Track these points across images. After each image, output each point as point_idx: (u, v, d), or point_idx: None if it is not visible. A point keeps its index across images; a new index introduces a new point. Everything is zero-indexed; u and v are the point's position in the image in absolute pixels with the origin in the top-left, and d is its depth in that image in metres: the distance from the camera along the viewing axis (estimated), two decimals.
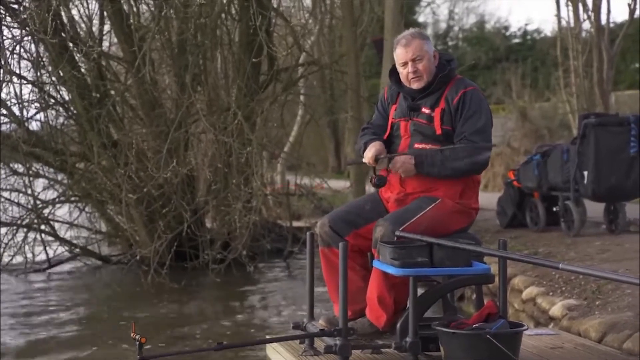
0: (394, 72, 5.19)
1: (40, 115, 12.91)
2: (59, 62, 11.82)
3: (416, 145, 5.01)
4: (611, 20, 19.20)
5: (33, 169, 13.15)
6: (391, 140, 5.18)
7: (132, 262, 12.23)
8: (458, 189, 4.99)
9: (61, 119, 13.36)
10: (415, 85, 5.03)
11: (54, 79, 12.60)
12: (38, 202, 13.06)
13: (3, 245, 12.69)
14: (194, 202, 12.41)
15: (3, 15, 11.78)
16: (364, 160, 5.04)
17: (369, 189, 5.19)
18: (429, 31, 36.97)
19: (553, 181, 10.75)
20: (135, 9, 12.72)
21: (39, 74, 12.28)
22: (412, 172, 4.95)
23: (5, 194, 13.17)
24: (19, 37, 11.75)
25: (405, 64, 5.03)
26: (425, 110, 5.01)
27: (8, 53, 11.58)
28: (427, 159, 4.92)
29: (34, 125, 13.24)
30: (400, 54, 5.05)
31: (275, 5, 13.80)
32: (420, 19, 38.50)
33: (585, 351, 5.53)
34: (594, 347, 5.68)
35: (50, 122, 13.01)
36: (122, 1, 12.53)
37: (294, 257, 13.61)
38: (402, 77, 5.08)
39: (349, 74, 14.33)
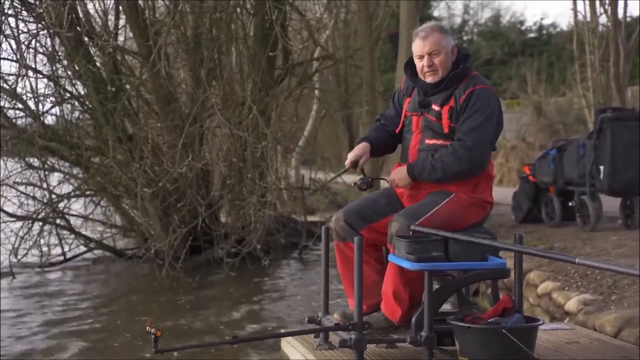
0: (409, 65, 5.18)
1: (56, 110, 12.95)
2: (75, 56, 11.84)
3: (427, 141, 5.01)
4: (628, 14, 19.09)
5: (48, 163, 13.18)
6: (403, 135, 5.18)
7: (147, 256, 12.26)
8: (471, 183, 4.98)
9: (76, 113, 13.39)
10: (429, 79, 5.02)
11: (69, 73, 12.62)
12: (53, 196, 13.11)
13: (19, 238, 12.74)
14: (208, 197, 12.43)
15: (19, 9, 11.81)
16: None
17: (383, 183, 5.20)
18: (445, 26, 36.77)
19: (569, 176, 10.72)
20: (150, 4, 12.72)
21: (54, 68, 12.29)
22: (406, 181, 4.98)
23: (21, 188, 13.22)
24: (34, 31, 11.76)
25: (421, 56, 5.02)
26: (435, 107, 5.00)
27: (24, 47, 11.60)
28: (418, 165, 4.93)
29: (49, 120, 13.30)
30: (417, 47, 5.03)
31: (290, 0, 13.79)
32: (435, 13, 38.43)
33: (601, 346, 5.52)
34: (609, 342, 5.66)
35: (66, 116, 13.03)
36: None
37: (308, 251, 13.61)
38: (418, 70, 5.07)
39: (363, 68, 14.35)
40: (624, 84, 18.44)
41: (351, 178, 15.03)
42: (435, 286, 4.83)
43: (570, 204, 10.82)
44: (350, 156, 5.08)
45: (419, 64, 5.05)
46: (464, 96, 4.92)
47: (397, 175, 5.00)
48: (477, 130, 4.87)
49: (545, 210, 11.30)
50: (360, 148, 5.11)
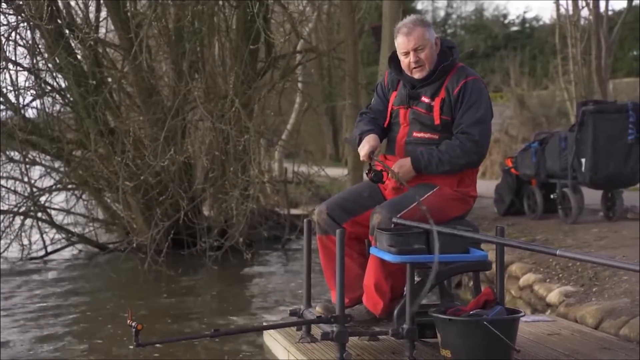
0: (394, 59, 5.16)
1: (37, 103, 12.87)
2: (55, 49, 11.77)
3: (415, 134, 5.00)
4: (609, 7, 19.20)
5: (29, 156, 13.11)
6: (390, 128, 5.17)
7: (129, 250, 12.21)
8: (456, 177, 4.98)
9: (58, 107, 13.31)
10: (417, 75, 5.00)
11: (50, 66, 12.55)
12: (35, 189, 13.04)
13: (0, 232, 12.67)
14: (191, 190, 12.38)
15: None
16: (361, 156, 4.99)
17: (367, 176, 5.15)
18: (427, 19, 36.81)
19: (551, 168, 10.74)
20: None
21: (35, 60, 12.22)
22: (411, 174, 4.93)
23: (2, 182, 13.14)
24: (14, 24, 11.69)
25: (407, 53, 4.99)
26: (425, 99, 4.98)
27: (4, 40, 11.53)
28: (424, 157, 4.90)
29: (30, 113, 13.20)
30: (401, 43, 5.00)
31: None
32: (419, 6, 38.44)
33: (582, 337, 5.54)
34: (590, 334, 5.69)
35: (47, 109, 12.95)
36: None
37: (291, 244, 13.60)
38: (404, 66, 5.04)
39: (346, 61, 14.28)
40: (606, 77, 18.53)
41: (336, 172, 15.05)
42: (417, 279, 4.83)
43: (552, 196, 10.85)
44: (367, 149, 4.93)
45: (404, 60, 5.01)
46: (458, 88, 4.91)
47: (402, 168, 4.93)
48: (481, 123, 4.89)
49: (527, 202, 11.33)
50: (374, 139, 4.99)
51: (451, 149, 4.87)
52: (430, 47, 4.98)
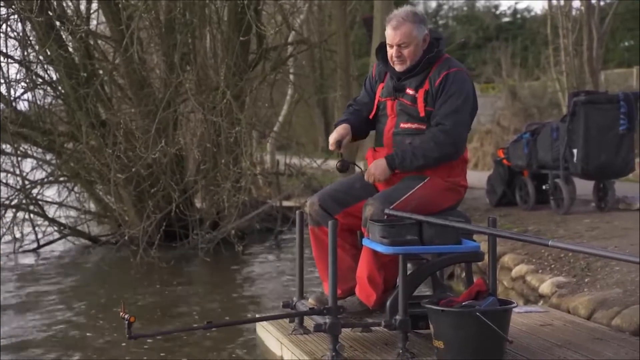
0: (381, 50, 5.16)
1: (28, 95, 12.81)
2: (46, 41, 11.71)
3: (402, 125, 5.00)
4: None
5: (21, 149, 13.06)
6: (377, 120, 5.17)
7: (121, 242, 12.19)
8: (446, 167, 4.98)
9: (49, 99, 13.24)
10: (397, 68, 5.03)
11: (41, 58, 12.49)
12: (26, 182, 12.99)
13: None
14: (183, 182, 12.36)
15: None
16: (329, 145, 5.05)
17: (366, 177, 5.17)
18: (419, 9, 36.75)
19: (543, 159, 10.75)
20: None
21: (25, 53, 12.17)
22: (386, 173, 4.94)
23: None
24: (4, 16, 11.64)
25: (391, 45, 5.00)
26: (410, 91, 4.99)
27: None
28: (398, 155, 4.90)
29: (21, 105, 13.14)
30: (388, 35, 5.02)
31: None
32: None
33: (575, 328, 5.56)
34: (583, 324, 5.70)
35: (38, 101, 12.89)
36: None
37: (283, 236, 13.59)
38: (388, 56, 5.06)
39: (338, 52, 14.31)
40: (597, 67, 18.58)
41: (327, 163, 15.05)
42: (410, 270, 4.83)
43: (544, 187, 10.86)
44: (334, 136, 5.03)
45: (389, 50, 5.04)
46: (439, 79, 4.91)
47: (377, 169, 4.95)
48: (455, 114, 4.86)
49: (519, 193, 11.34)
50: (344, 128, 5.07)
51: (424, 142, 4.88)
52: (415, 44, 4.97)
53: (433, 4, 40.92)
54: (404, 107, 5.00)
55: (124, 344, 6.98)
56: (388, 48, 5.03)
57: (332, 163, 14.54)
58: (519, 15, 37.02)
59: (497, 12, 38.30)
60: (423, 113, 4.94)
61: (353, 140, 5.32)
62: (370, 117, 5.19)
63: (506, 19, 37.15)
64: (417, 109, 4.95)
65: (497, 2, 53.95)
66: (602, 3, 19.78)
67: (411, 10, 5.06)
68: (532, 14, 36.05)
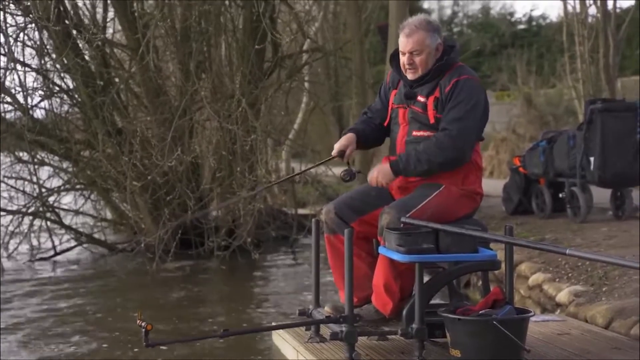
0: (395, 57, 5.15)
1: (45, 103, 12.90)
2: (63, 50, 11.79)
3: (414, 133, 4.99)
4: (617, 5, 19.16)
5: (38, 157, 13.14)
6: (390, 128, 5.17)
7: (137, 250, 12.23)
8: (461, 175, 4.96)
9: (65, 107, 13.32)
10: (409, 76, 5.02)
11: (58, 66, 12.58)
12: (43, 190, 13.06)
13: (9, 233, 12.69)
14: (198, 190, 12.39)
15: (6, 3, 11.75)
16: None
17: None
18: (434, 17, 36.75)
19: (559, 167, 10.72)
20: None
21: (43, 61, 12.25)
22: (390, 177, 4.94)
23: (11, 182, 13.17)
24: (22, 25, 11.72)
25: (404, 53, 5.00)
26: (421, 99, 4.98)
27: (12, 40, 11.55)
28: (402, 160, 4.89)
29: (38, 113, 13.23)
30: (400, 42, 5.02)
31: None
32: (425, 5, 38.39)
33: (592, 337, 5.52)
34: (600, 333, 5.67)
35: (55, 110, 12.98)
36: None
37: (299, 244, 13.59)
38: (400, 64, 5.06)
39: (353, 60, 14.34)
40: (614, 75, 18.49)
41: (340, 170, 15.05)
42: (426, 278, 4.82)
43: (560, 195, 10.82)
44: (337, 146, 5.07)
45: (401, 58, 5.03)
46: (449, 86, 4.91)
47: (381, 172, 4.95)
48: (462, 120, 4.84)
49: (535, 201, 11.30)
50: (347, 138, 5.10)
51: (428, 147, 4.85)
52: (427, 52, 4.95)
53: (448, 12, 40.91)
54: (415, 114, 5.00)
55: (135, 350, 6.99)
56: (400, 55, 5.03)
57: (336, 171, 14.57)
58: (534, 23, 36.94)
59: (513, 20, 38.24)
60: (433, 120, 4.93)
61: (364, 149, 5.32)
62: (385, 124, 5.18)
63: (521, 26, 37.07)
64: (427, 116, 4.94)
65: (512, 10, 53.94)
66: (618, 10, 19.72)
67: (425, 19, 5.05)
68: (548, 21, 35.97)
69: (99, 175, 12.93)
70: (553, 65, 25.64)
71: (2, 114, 12.74)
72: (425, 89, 4.97)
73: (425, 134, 4.95)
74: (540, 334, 5.57)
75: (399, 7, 11.59)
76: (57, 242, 13.11)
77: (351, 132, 5.15)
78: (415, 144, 4.95)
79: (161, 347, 6.71)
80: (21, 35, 11.78)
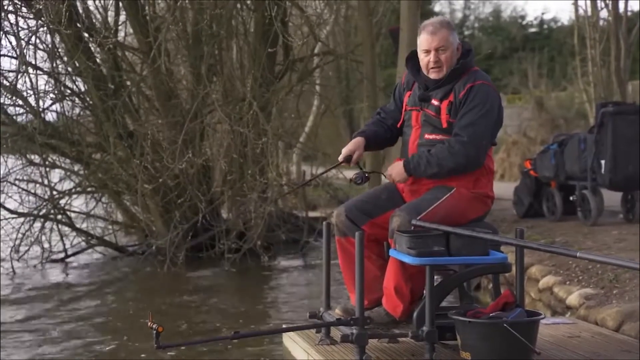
0: (411, 59, 5.15)
1: (56, 106, 12.94)
2: (75, 53, 11.83)
3: (426, 136, 5.00)
4: (629, 8, 19.07)
5: (49, 159, 13.18)
6: (403, 130, 5.17)
7: (148, 252, 12.26)
8: (472, 178, 4.96)
9: (77, 110, 13.37)
10: (433, 76, 4.99)
11: (69, 69, 12.62)
12: (54, 192, 13.10)
13: (20, 235, 12.74)
14: (209, 193, 12.42)
15: (19, 6, 11.80)
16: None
17: (385, 179, 5.18)
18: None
19: (570, 170, 10.70)
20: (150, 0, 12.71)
21: (54, 64, 12.29)
22: (403, 176, 4.97)
23: (22, 185, 13.22)
24: (34, 28, 11.76)
25: (428, 51, 4.98)
26: (435, 102, 4.99)
27: (24, 44, 11.59)
28: (413, 160, 4.92)
29: (50, 116, 13.28)
30: (424, 41, 4.99)
31: None
32: (437, 8, 38.38)
33: (603, 340, 5.52)
34: (611, 336, 5.66)
35: (66, 112, 13.02)
36: None
37: (309, 247, 13.60)
38: (422, 64, 5.04)
39: (364, 63, 14.30)
40: (625, 78, 18.44)
41: (352, 174, 15.06)
42: (437, 281, 4.83)
43: (571, 198, 10.80)
44: (344, 151, 5.11)
45: (424, 58, 5.01)
46: (464, 91, 4.91)
47: (394, 170, 5.00)
48: (474, 126, 4.85)
49: (546, 204, 11.28)
50: (354, 143, 5.13)
51: (440, 151, 4.87)
52: (452, 50, 4.97)
53: (459, 15, 40.86)
54: (428, 118, 5.00)
55: (143, 355, 7.01)
56: (423, 55, 5.00)
57: (348, 174, 14.58)
58: (545, 26, 36.86)
59: (524, 23, 38.16)
60: (445, 124, 4.93)
61: (376, 149, 5.34)
62: (398, 125, 5.19)
63: (533, 30, 36.99)
64: (441, 120, 4.95)
65: (523, 13, 53.87)
66: (629, 13, 19.64)
67: (444, 19, 5.14)
68: (559, 24, 35.89)
69: (110, 178, 12.97)
70: (564, 68, 25.61)
71: (14, 117, 12.79)
72: (440, 93, 4.98)
73: (438, 137, 4.95)
74: (550, 336, 5.56)
75: (410, 10, 11.56)
76: (68, 245, 13.15)
77: (360, 135, 5.17)
78: (427, 146, 4.96)
79: (172, 349, 6.73)
80: (33, 38, 11.82)
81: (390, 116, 5.23)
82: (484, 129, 4.89)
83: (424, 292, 4.80)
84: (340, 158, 5.10)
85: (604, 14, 18.71)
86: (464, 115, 4.87)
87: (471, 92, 4.90)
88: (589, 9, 18.75)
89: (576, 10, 19.44)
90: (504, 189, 13.45)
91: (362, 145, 5.11)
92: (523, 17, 39.09)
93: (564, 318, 6.53)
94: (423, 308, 4.74)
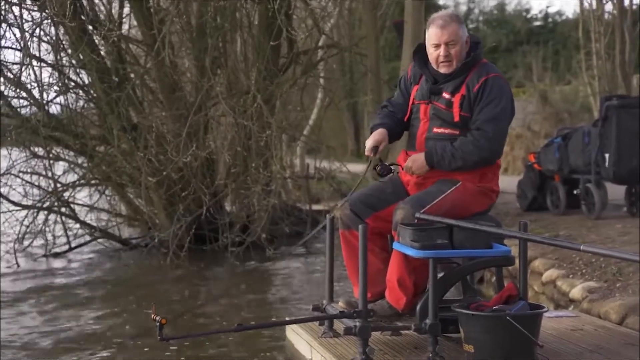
0: (418, 52, 5.14)
1: (60, 99, 12.91)
2: (79, 45, 11.82)
3: (435, 130, 4.99)
4: (634, 1, 19.03)
5: (53, 152, 13.18)
6: (410, 123, 5.16)
7: (151, 245, 12.27)
8: (479, 172, 4.97)
9: (81, 102, 13.35)
10: (443, 70, 4.98)
11: (73, 62, 12.62)
12: (58, 185, 13.11)
13: (24, 227, 12.75)
14: (213, 186, 12.41)
15: None
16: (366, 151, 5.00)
17: (375, 170, 5.15)
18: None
19: (574, 164, 10.69)
20: None
21: (58, 57, 12.28)
22: (424, 169, 4.94)
23: (26, 177, 13.23)
24: (38, 20, 11.75)
25: (437, 45, 4.96)
26: (446, 95, 4.97)
27: (28, 36, 11.59)
28: (437, 153, 4.90)
29: (54, 109, 13.27)
30: (434, 35, 4.97)
31: None
32: (441, 1, 38.29)
33: (606, 333, 5.52)
34: (614, 329, 5.66)
35: (70, 105, 13.00)
36: None
37: (313, 240, 13.60)
38: (431, 58, 5.02)
39: (368, 56, 14.31)
40: (630, 71, 18.42)
41: (357, 167, 15.06)
42: (440, 274, 4.83)
43: (575, 192, 10.80)
44: (371, 142, 5.01)
45: (434, 52, 4.99)
46: (478, 85, 4.90)
47: (415, 162, 4.95)
48: (496, 120, 4.87)
49: (550, 198, 11.28)
50: (380, 134, 5.05)
51: (464, 145, 4.87)
52: (461, 44, 4.96)
53: (463, 8, 40.77)
54: (437, 111, 4.99)
55: (146, 348, 7.02)
56: (433, 50, 4.99)
57: (352, 168, 14.55)
58: (550, 19, 36.78)
59: (528, 16, 38.07)
60: (457, 118, 4.92)
61: (391, 142, 5.32)
62: (405, 119, 5.18)
63: (537, 23, 36.92)
64: (452, 113, 4.94)
65: (528, 6, 53.76)
66: (635, 6, 19.60)
67: (453, 12, 5.14)
68: (564, 17, 35.82)
69: (114, 171, 12.98)
70: (569, 62, 25.55)
71: (18, 109, 12.80)
72: (451, 86, 4.96)
73: (447, 131, 4.95)
74: (553, 329, 5.56)
75: (414, 3, 11.54)
76: (71, 237, 13.16)
77: (381, 127, 5.09)
78: (435, 140, 4.95)
79: (175, 341, 6.74)
80: (37, 30, 11.81)
81: (399, 109, 5.20)
82: (505, 123, 4.95)
83: (427, 284, 4.80)
84: (368, 150, 4.99)
85: (608, 7, 18.70)
86: (483, 110, 4.87)
87: (486, 86, 4.89)
88: (594, 3, 18.71)
89: (581, 3, 19.44)
90: (507, 182, 13.42)
91: (386, 136, 5.06)
92: (528, 11, 39.04)
93: (567, 311, 6.53)
94: (426, 301, 4.74)
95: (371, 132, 5.10)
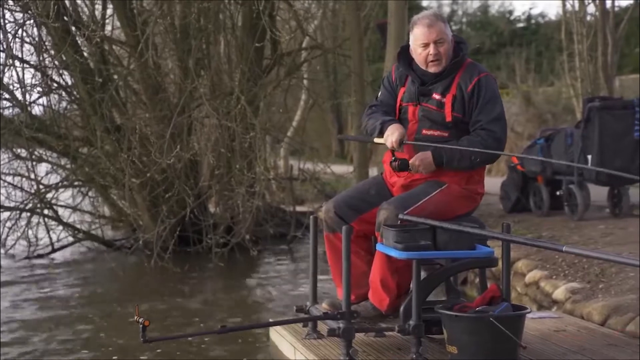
0: (402, 53, 5.12)
1: (43, 100, 12.85)
2: (62, 46, 11.77)
3: (424, 132, 4.96)
4: (616, 3, 19.16)
5: (36, 153, 13.12)
6: None
7: (135, 247, 12.24)
8: (465, 174, 4.96)
9: (64, 104, 13.29)
10: (433, 69, 4.95)
11: (56, 63, 12.56)
12: (41, 186, 13.06)
13: (6, 229, 12.69)
14: (197, 187, 12.40)
15: None
16: (387, 144, 4.85)
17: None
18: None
19: (557, 165, 10.73)
20: None
21: (41, 58, 12.23)
22: (432, 168, 4.91)
23: (9, 179, 13.17)
24: (21, 21, 11.70)
25: (426, 45, 4.93)
26: (436, 96, 4.94)
27: (10, 37, 11.53)
28: (446, 152, 4.85)
29: (36, 110, 13.21)
30: (422, 34, 4.93)
31: None
32: (424, 3, 38.33)
33: (588, 334, 5.54)
34: (596, 330, 5.69)
35: (53, 106, 12.94)
36: None
37: (297, 242, 13.60)
38: (420, 59, 4.98)
39: (352, 58, 14.28)
40: (612, 73, 18.49)
41: (341, 169, 15.05)
42: (423, 275, 4.84)
43: (558, 193, 10.83)
44: (397, 135, 4.80)
45: (422, 52, 4.95)
46: (472, 85, 4.88)
47: (423, 161, 4.89)
48: (500, 120, 4.90)
49: (533, 199, 11.32)
50: (400, 127, 4.87)
51: (472, 144, 4.82)
52: (448, 42, 4.96)
53: (447, 9, 40.84)
54: (427, 112, 4.95)
55: (129, 349, 7.00)
56: (421, 49, 4.94)
57: (336, 169, 14.53)
58: (533, 21, 36.89)
59: (511, 18, 38.19)
60: (450, 118, 4.89)
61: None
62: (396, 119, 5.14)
63: (520, 25, 37.02)
64: (444, 114, 4.91)
65: (511, 8, 53.90)
66: (617, 8, 19.69)
67: (437, 12, 5.16)
68: (547, 19, 35.91)
69: (97, 172, 12.93)
70: (552, 63, 25.64)
71: (1, 111, 12.73)
72: (440, 87, 4.93)
73: (436, 133, 4.92)
74: (536, 330, 5.59)
75: (398, 4, 11.55)
76: (54, 239, 13.11)
77: (395, 122, 4.93)
78: (424, 142, 4.89)
79: (158, 343, 6.73)
80: (20, 31, 11.75)
81: (391, 110, 5.09)
82: (505, 122, 4.98)
83: (411, 286, 4.81)
84: (396, 142, 4.79)
85: (591, 9, 18.76)
86: (484, 110, 4.86)
87: (481, 86, 4.88)
88: (577, 4, 18.78)
89: (564, 5, 19.47)
90: (491, 183, 13.41)
91: (404, 129, 4.91)
92: (511, 12, 39.09)
93: (550, 312, 6.56)
94: (410, 302, 4.75)
95: (382, 127, 4.92)
